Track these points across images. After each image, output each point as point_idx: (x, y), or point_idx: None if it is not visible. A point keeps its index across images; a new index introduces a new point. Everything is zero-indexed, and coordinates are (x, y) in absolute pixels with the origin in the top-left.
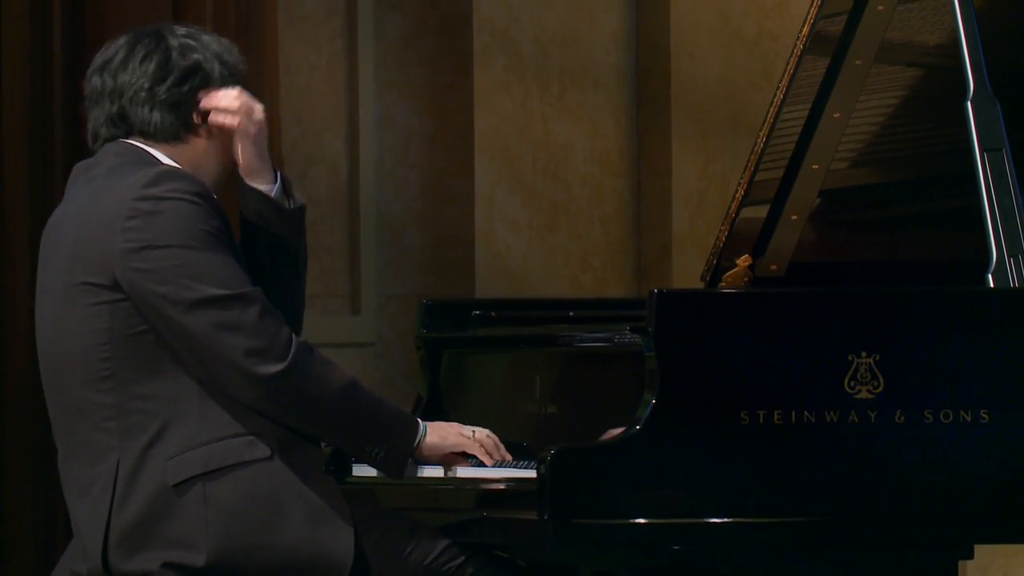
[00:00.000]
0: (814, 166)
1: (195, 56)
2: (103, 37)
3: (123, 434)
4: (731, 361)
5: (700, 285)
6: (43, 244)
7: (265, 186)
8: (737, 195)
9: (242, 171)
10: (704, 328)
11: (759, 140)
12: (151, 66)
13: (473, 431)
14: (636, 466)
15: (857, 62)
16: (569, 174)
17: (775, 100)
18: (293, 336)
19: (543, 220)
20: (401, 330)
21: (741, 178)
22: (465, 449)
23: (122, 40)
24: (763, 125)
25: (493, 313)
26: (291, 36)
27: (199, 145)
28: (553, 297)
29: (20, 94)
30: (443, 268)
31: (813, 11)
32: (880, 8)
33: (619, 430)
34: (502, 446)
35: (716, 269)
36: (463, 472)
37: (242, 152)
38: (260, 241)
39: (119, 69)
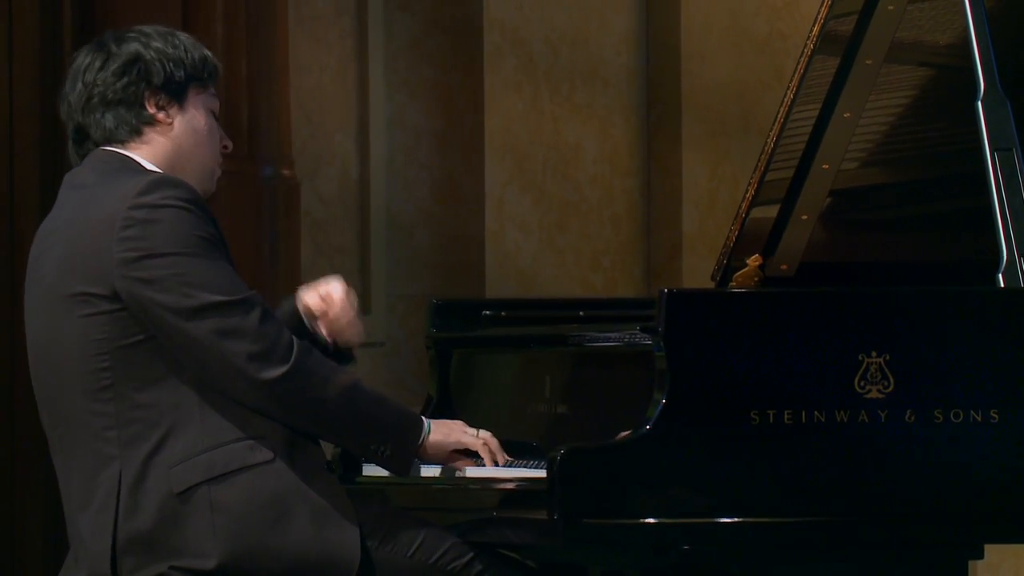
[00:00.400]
0: (824, 166)
1: (133, 47)
2: None
3: (124, 443)
4: (741, 361)
5: (710, 285)
6: (32, 255)
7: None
8: (747, 195)
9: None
10: (714, 328)
11: (769, 140)
12: (94, 72)
13: (477, 431)
14: (646, 466)
15: (868, 62)
16: (579, 174)
17: (785, 100)
18: (294, 339)
19: (553, 220)
20: (411, 330)
21: (751, 178)
22: (468, 446)
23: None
24: (773, 125)
25: (503, 313)
26: (301, 36)
27: (165, 137)
28: (563, 297)
29: (30, 96)
30: (453, 268)
31: (824, 11)
32: (891, 8)
33: (627, 433)
34: (501, 451)
35: (726, 269)
36: (473, 472)
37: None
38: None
39: (69, 90)
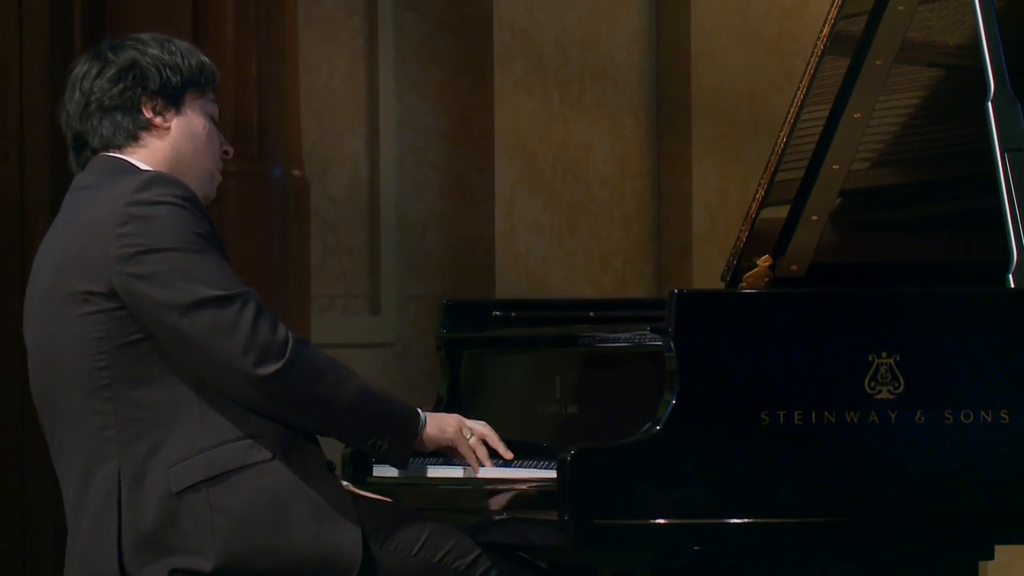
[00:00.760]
0: (834, 166)
1: (130, 54)
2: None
3: (122, 443)
4: (751, 361)
5: (720, 285)
6: (35, 261)
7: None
8: (757, 195)
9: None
10: (724, 328)
11: (779, 140)
12: (90, 79)
13: (472, 430)
14: (656, 466)
15: (878, 62)
16: (589, 174)
17: (795, 100)
18: (289, 334)
19: (563, 220)
20: (421, 330)
21: (761, 178)
22: (459, 450)
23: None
24: (783, 125)
25: (513, 313)
26: (311, 36)
27: (163, 141)
28: (573, 297)
29: (40, 98)
30: (463, 268)
31: (834, 11)
32: (901, 8)
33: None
34: (501, 444)
35: (736, 269)
36: (484, 473)
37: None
38: None
39: (68, 98)
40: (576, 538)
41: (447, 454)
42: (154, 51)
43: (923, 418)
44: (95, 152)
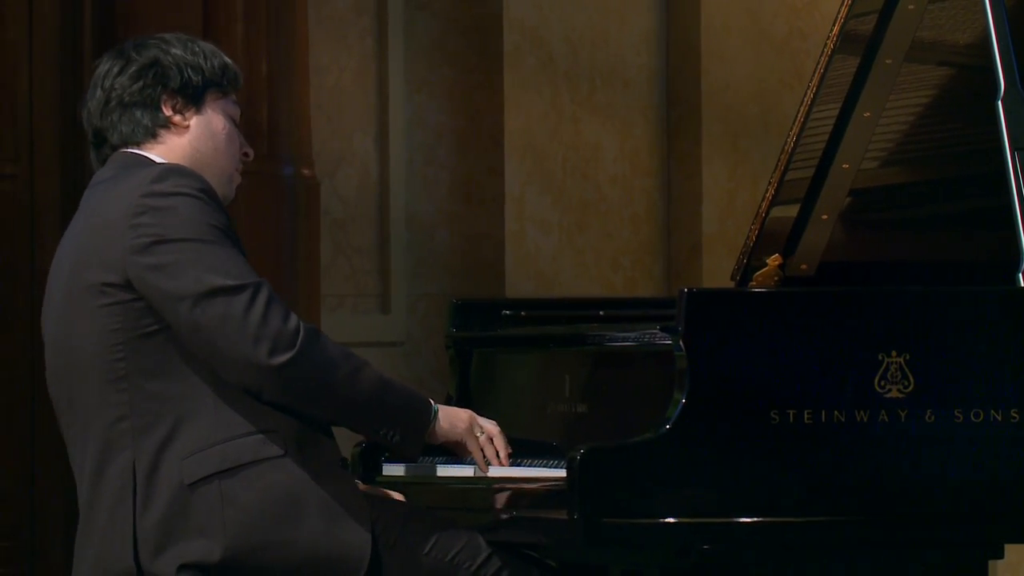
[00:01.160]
0: (844, 165)
1: (152, 53)
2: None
3: (137, 433)
4: (761, 360)
5: (730, 285)
6: (55, 257)
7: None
8: (767, 195)
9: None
10: (734, 327)
11: (789, 139)
12: (112, 77)
13: (482, 428)
14: (666, 466)
15: (888, 61)
16: (599, 174)
17: (805, 99)
18: (300, 324)
19: (573, 220)
20: (431, 330)
21: (771, 178)
22: (468, 446)
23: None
24: (793, 124)
25: (523, 313)
26: (321, 36)
27: (181, 139)
28: (583, 297)
29: (50, 98)
30: (473, 268)
31: (843, 10)
32: (911, 7)
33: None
34: (504, 449)
35: (746, 268)
36: (493, 471)
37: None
38: None
39: (90, 96)
40: (585, 537)
41: (455, 450)
42: (177, 51)
43: (933, 417)
44: (114, 149)
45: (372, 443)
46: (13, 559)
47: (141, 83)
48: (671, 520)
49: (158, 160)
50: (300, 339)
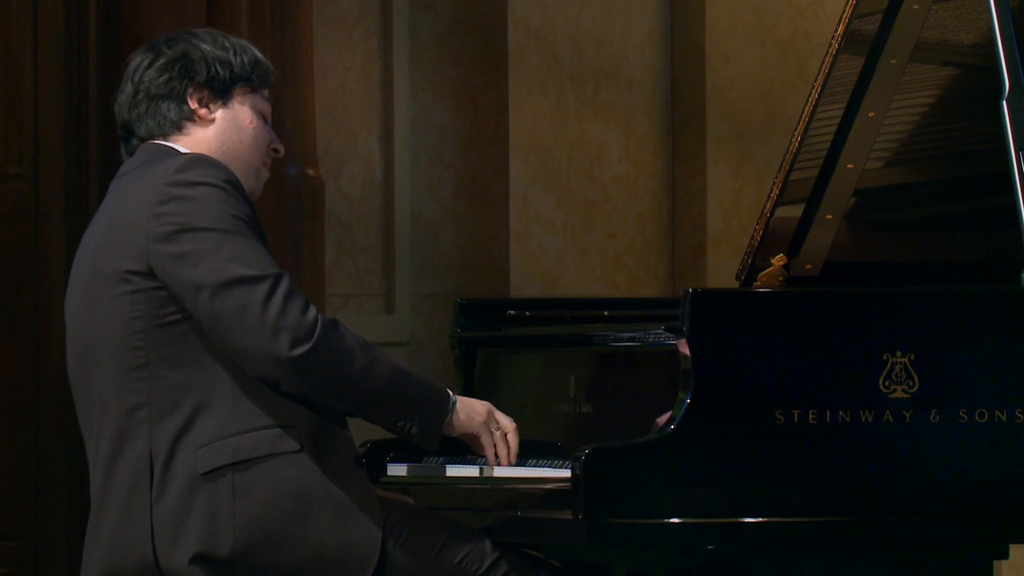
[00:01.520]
0: (849, 165)
1: (181, 47)
2: (138, 38)
3: (154, 422)
4: (766, 360)
5: (735, 284)
6: (80, 245)
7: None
8: (772, 194)
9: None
10: (739, 327)
11: (794, 139)
12: (141, 71)
13: (498, 425)
14: (670, 465)
15: (892, 61)
16: (603, 173)
17: (810, 99)
18: (319, 316)
19: (577, 219)
20: (435, 329)
21: (776, 177)
22: (481, 441)
23: None
24: (798, 124)
25: (527, 312)
26: (325, 36)
27: (207, 132)
28: (587, 296)
29: (55, 98)
30: (477, 267)
31: (848, 10)
32: (915, 7)
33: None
34: (515, 448)
35: (751, 268)
36: (498, 472)
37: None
38: None
39: (121, 91)
40: (590, 537)
41: (470, 443)
42: (206, 45)
43: (938, 417)
44: (142, 141)
45: (377, 444)
46: (18, 559)
47: (167, 75)
48: (676, 520)
49: (184, 151)
50: (318, 331)
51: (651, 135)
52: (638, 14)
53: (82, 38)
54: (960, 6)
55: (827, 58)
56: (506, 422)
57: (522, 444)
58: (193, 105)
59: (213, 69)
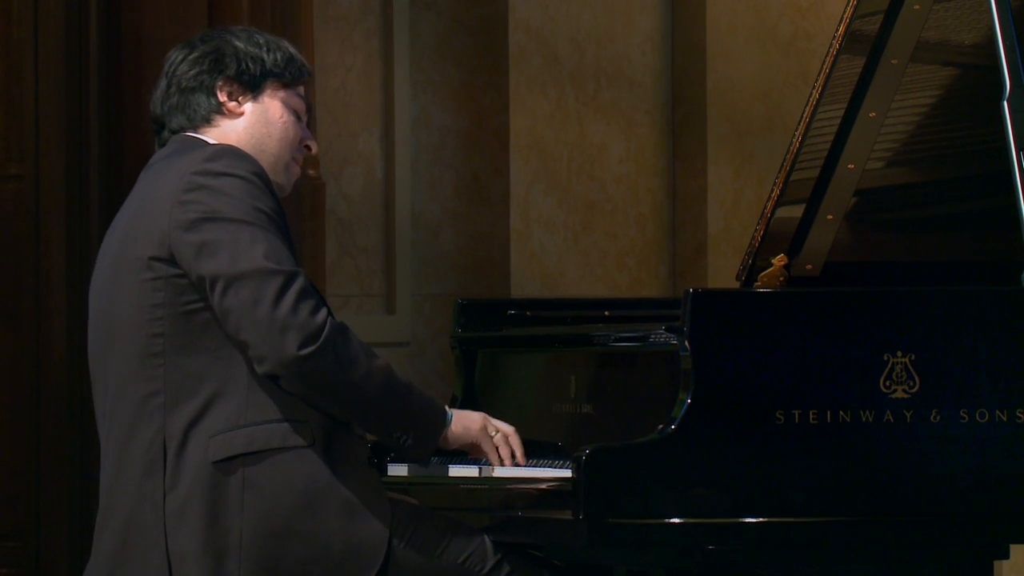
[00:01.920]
0: (850, 166)
1: (214, 42)
2: (139, 38)
3: (168, 409)
4: (766, 360)
5: (735, 285)
6: (106, 233)
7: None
8: (773, 195)
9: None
10: (739, 327)
11: (795, 140)
12: (175, 65)
13: (497, 428)
14: (670, 466)
15: (893, 61)
16: (604, 174)
17: (811, 99)
18: (329, 320)
19: (578, 219)
20: (436, 330)
21: (777, 178)
22: (483, 448)
23: None
24: (799, 125)
25: (528, 313)
26: (326, 36)
27: (235, 125)
28: (588, 297)
29: (56, 98)
30: (478, 268)
31: (849, 11)
32: (916, 7)
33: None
34: (520, 449)
35: (751, 269)
36: (499, 472)
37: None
38: None
39: (157, 86)
40: (590, 537)
41: (470, 452)
42: (239, 41)
43: (938, 417)
44: (171, 133)
45: (377, 444)
46: (19, 559)
47: (198, 69)
48: (676, 520)
49: (213, 143)
50: (326, 333)
51: (652, 135)
52: (639, 14)
53: (83, 38)
54: (961, 6)
55: (828, 58)
56: (504, 427)
57: (522, 443)
58: (222, 98)
59: (244, 64)
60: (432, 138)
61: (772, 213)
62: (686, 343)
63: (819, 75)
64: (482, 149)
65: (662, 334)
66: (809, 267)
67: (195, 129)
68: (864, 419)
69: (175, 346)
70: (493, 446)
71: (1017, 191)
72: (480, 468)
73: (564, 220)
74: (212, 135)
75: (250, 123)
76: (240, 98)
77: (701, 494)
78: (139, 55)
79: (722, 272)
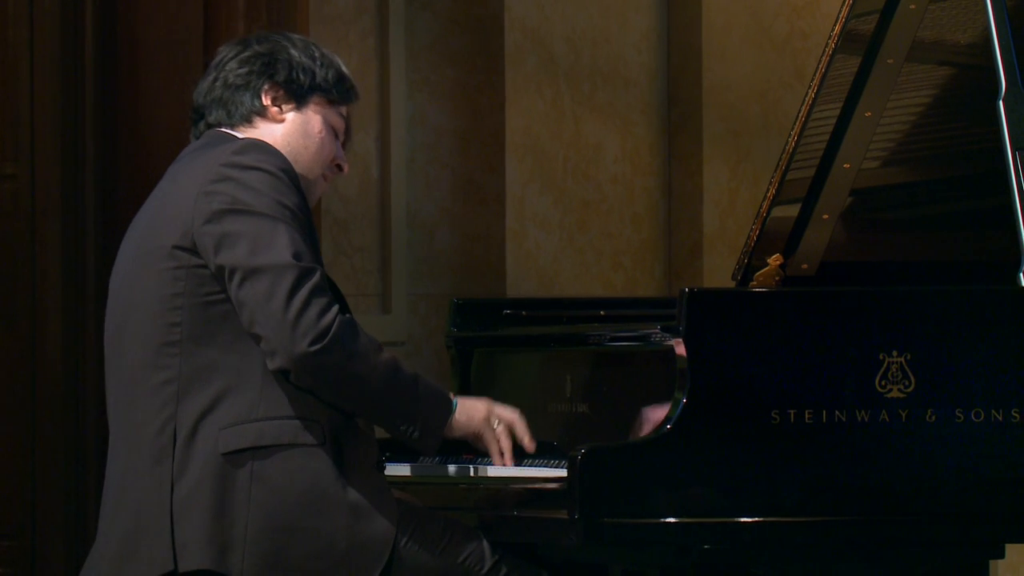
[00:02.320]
0: (845, 165)
1: (270, 45)
2: (135, 37)
3: (181, 398)
4: (762, 360)
5: (731, 284)
6: (132, 221)
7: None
8: (768, 194)
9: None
10: (735, 327)
11: (790, 139)
12: (225, 61)
13: (499, 420)
14: (666, 465)
15: (889, 61)
16: (600, 173)
17: (807, 99)
18: (338, 319)
19: (574, 219)
20: (432, 329)
21: (772, 177)
22: (484, 438)
23: None
24: (794, 124)
25: (524, 312)
26: (322, 35)
27: (274, 130)
28: (583, 296)
29: (51, 97)
30: (474, 267)
31: (845, 10)
32: (912, 7)
33: (659, 409)
34: (527, 435)
35: (747, 268)
36: (494, 471)
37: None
38: None
39: (203, 79)
40: (586, 536)
41: (472, 442)
42: (295, 50)
43: (933, 417)
44: (208, 127)
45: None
46: (14, 559)
47: (248, 68)
48: (671, 520)
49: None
50: (335, 329)
51: (647, 135)
52: (634, 14)
53: (79, 38)
54: (956, 6)
55: (824, 58)
56: (507, 414)
57: (518, 443)
58: (266, 101)
59: (295, 72)
60: (428, 137)
61: (768, 213)
62: (681, 343)
63: (815, 75)
64: (478, 148)
65: (658, 333)
66: (805, 267)
67: (232, 127)
68: (859, 419)
69: (192, 336)
70: (494, 437)
71: (1013, 190)
72: (476, 468)
73: (560, 219)
74: (248, 135)
75: (289, 131)
76: (284, 105)
77: (696, 494)
78: (134, 55)
79: (718, 272)
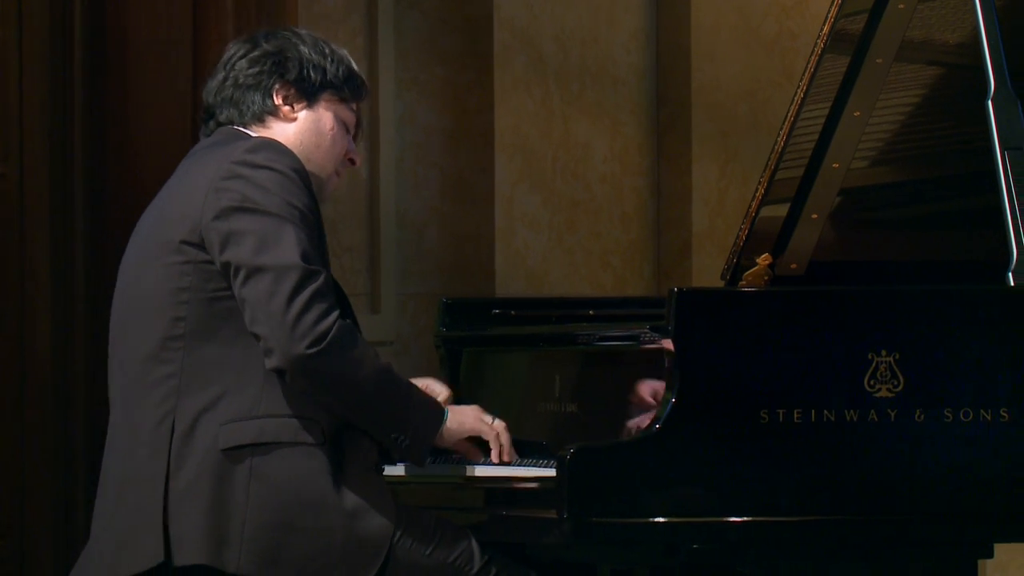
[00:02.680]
0: (834, 165)
1: (279, 44)
2: (124, 37)
3: (181, 392)
4: (751, 360)
5: (720, 284)
6: (143, 214)
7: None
8: (757, 194)
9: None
10: (724, 327)
11: (779, 139)
12: (235, 60)
13: (492, 420)
14: (655, 465)
15: (878, 61)
16: (589, 173)
17: (795, 99)
18: (337, 323)
19: (563, 219)
20: (420, 329)
21: (761, 177)
22: (481, 434)
23: None
24: (783, 124)
25: (512, 312)
26: None
27: (286, 128)
28: (573, 296)
29: (40, 97)
30: (462, 267)
31: (834, 10)
32: (901, 7)
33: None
34: (509, 446)
35: (736, 268)
36: (483, 471)
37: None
38: None
39: (212, 77)
40: (575, 536)
41: (459, 448)
42: (304, 47)
43: (922, 416)
44: (219, 125)
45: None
46: (3, 559)
47: (258, 68)
48: (660, 519)
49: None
50: (334, 333)
51: (636, 134)
52: (623, 14)
53: (67, 37)
54: (945, 5)
55: (812, 58)
56: (496, 421)
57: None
58: (278, 101)
59: (305, 71)
60: (417, 137)
61: (757, 212)
62: (670, 342)
63: (804, 74)
64: (467, 148)
65: (647, 333)
66: (794, 266)
67: (244, 125)
68: (848, 418)
69: (196, 331)
70: (492, 431)
71: (1001, 190)
72: (465, 467)
73: (549, 219)
74: (260, 133)
75: (301, 130)
76: (295, 104)
77: (685, 493)
78: (123, 53)
79: (707, 271)
